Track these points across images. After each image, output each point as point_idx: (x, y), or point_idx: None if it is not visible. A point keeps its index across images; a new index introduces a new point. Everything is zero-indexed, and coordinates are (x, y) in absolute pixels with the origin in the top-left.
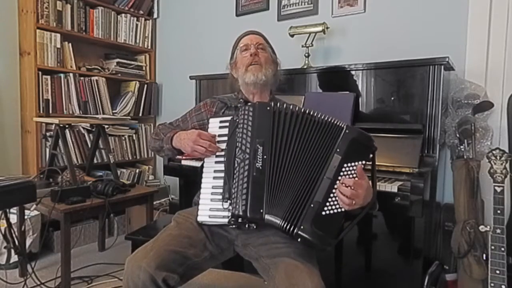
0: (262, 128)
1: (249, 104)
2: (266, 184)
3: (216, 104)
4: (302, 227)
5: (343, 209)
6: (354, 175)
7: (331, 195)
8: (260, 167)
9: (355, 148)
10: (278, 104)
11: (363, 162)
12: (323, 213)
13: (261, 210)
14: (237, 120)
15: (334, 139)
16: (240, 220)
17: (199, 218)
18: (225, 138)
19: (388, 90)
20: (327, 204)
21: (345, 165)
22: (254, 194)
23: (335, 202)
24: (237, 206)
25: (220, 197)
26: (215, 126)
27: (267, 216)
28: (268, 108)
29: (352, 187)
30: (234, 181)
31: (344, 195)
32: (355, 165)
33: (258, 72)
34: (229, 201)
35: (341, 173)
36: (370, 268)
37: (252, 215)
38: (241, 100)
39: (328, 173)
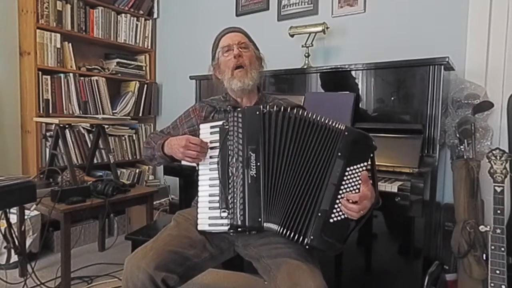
0: (252, 134)
1: (238, 109)
2: (262, 192)
3: (205, 109)
4: (312, 237)
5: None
6: (358, 178)
7: (337, 201)
8: (255, 175)
9: (357, 150)
10: (268, 107)
11: (365, 164)
12: (331, 220)
13: (260, 219)
14: (227, 127)
15: (334, 143)
16: (239, 229)
17: (199, 227)
18: (217, 144)
19: (388, 90)
20: (334, 211)
21: (348, 169)
22: (251, 203)
23: (342, 208)
24: (235, 217)
25: (218, 204)
26: (206, 132)
27: (266, 224)
28: (258, 112)
29: (358, 201)
30: (230, 191)
31: (351, 211)
32: (357, 168)
33: (244, 78)
34: (227, 211)
35: (345, 178)
36: (370, 268)
37: (250, 224)
38: (229, 106)
39: (332, 179)
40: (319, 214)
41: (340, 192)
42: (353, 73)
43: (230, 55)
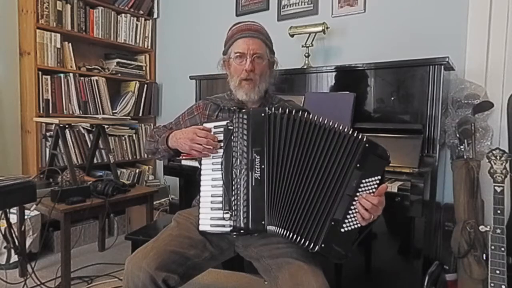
0: (257, 136)
1: (243, 111)
2: (266, 195)
3: (209, 107)
4: (322, 245)
5: (359, 225)
6: (372, 191)
7: (350, 212)
8: (259, 178)
9: (375, 163)
10: (273, 109)
11: (379, 177)
12: (342, 230)
13: (263, 222)
14: (232, 129)
15: (352, 153)
16: (242, 231)
17: (201, 228)
18: (221, 144)
19: (388, 90)
20: (346, 221)
21: (363, 181)
22: (255, 206)
23: (353, 219)
24: (238, 219)
25: (220, 205)
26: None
27: (269, 227)
28: (263, 114)
29: (375, 204)
30: (233, 193)
31: (365, 209)
32: (372, 181)
33: (251, 92)
34: (229, 213)
35: (359, 189)
36: (370, 268)
37: (253, 227)
38: (234, 108)
39: (348, 190)
40: (332, 223)
41: (354, 203)
42: (353, 73)
43: (241, 65)
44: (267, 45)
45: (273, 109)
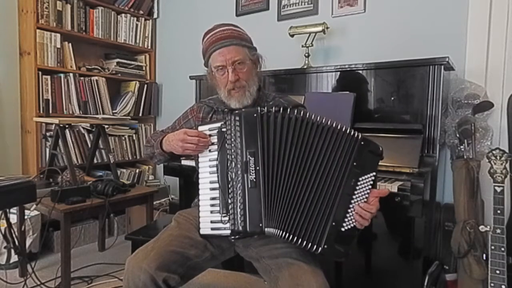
0: (251, 137)
1: (235, 112)
2: (262, 197)
3: (202, 109)
4: (325, 246)
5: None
6: (367, 188)
7: (349, 210)
8: (254, 179)
9: (370, 160)
10: (266, 108)
11: (374, 174)
12: (342, 229)
13: (260, 224)
14: (225, 131)
15: (348, 151)
16: (241, 234)
17: (202, 231)
18: (216, 147)
19: (388, 90)
20: (345, 220)
21: (360, 178)
22: (252, 208)
23: (352, 217)
24: (236, 223)
25: (219, 208)
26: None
27: (267, 229)
28: (255, 115)
29: (374, 212)
30: (230, 196)
31: (368, 211)
32: (368, 178)
33: (243, 99)
34: (227, 216)
35: (357, 187)
36: (370, 268)
37: (251, 229)
38: (226, 109)
39: (347, 188)
40: (333, 224)
41: (352, 201)
42: (353, 73)
43: (225, 77)
44: (244, 46)
45: (266, 108)
